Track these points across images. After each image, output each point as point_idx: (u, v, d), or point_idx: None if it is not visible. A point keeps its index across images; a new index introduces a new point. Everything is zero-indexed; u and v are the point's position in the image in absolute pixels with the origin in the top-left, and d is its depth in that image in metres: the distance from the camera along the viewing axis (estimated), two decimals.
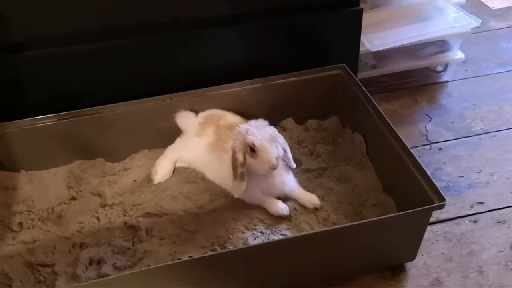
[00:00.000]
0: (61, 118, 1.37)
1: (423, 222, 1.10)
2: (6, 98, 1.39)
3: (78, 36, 1.33)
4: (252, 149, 1.16)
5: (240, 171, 1.18)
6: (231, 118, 1.39)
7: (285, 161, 1.25)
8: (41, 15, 1.27)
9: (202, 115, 1.42)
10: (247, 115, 1.41)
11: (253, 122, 1.22)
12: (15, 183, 1.37)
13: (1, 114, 1.36)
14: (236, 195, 1.22)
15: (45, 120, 1.37)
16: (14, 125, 1.36)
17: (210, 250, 1.17)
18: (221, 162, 1.29)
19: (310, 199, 1.27)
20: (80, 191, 1.37)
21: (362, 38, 1.54)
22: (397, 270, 1.17)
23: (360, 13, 1.48)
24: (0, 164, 1.38)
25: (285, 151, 1.23)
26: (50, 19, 1.28)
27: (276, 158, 1.16)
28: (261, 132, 1.17)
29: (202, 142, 1.35)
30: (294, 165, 1.28)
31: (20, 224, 1.29)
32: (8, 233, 1.27)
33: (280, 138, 1.23)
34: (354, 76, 1.43)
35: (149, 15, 1.35)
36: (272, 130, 1.20)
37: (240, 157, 1.17)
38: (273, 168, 1.16)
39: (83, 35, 1.33)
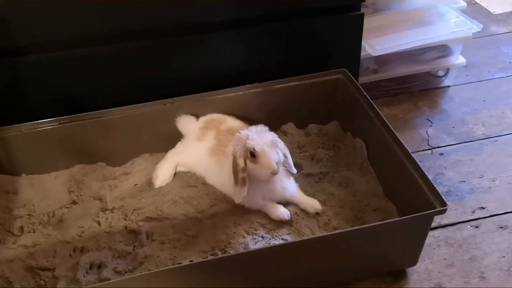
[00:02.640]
0: (62, 122, 1.37)
1: (425, 227, 1.09)
2: (7, 102, 1.39)
3: (79, 40, 1.33)
4: (252, 154, 1.16)
5: (241, 176, 1.18)
6: (232, 122, 1.39)
7: (286, 167, 1.25)
8: (43, 19, 1.27)
9: (203, 119, 1.42)
10: (248, 120, 1.41)
11: (253, 128, 1.22)
12: (16, 187, 1.37)
13: (2, 118, 1.36)
14: (237, 201, 1.22)
15: (46, 124, 1.37)
16: (15, 129, 1.36)
17: (211, 255, 1.17)
18: (221, 166, 1.29)
19: (311, 203, 1.27)
20: (81, 195, 1.37)
21: (363, 42, 1.54)
22: (398, 275, 1.17)
23: (361, 17, 1.48)
24: (1, 167, 1.38)
25: (285, 156, 1.23)
26: (52, 23, 1.28)
27: (276, 163, 1.16)
28: (261, 137, 1.17)
29: (203, 146, 1.35)
30: (294, 171, 1.28)
31: (21, 228, 1.29)
32: (9, 237, 1.27)
33: (281, 144, 1.23)
34: (355, 81, 1.43)
35: (150, 20, 1.35)
36: (272, 136, 1.20)
37: (241, 162, 1.17)
38: (274, 173, 1.16)
39: (85, 39, 1.34)
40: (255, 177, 1.18)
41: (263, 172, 1.17)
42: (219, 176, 1.31)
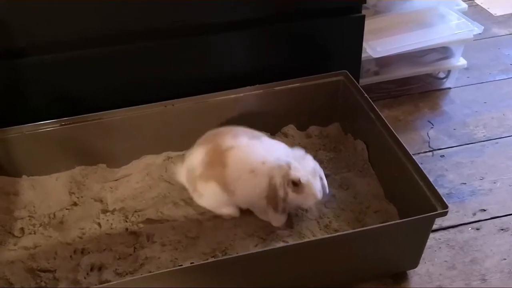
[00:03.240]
0: (63, 123, 1.37)
1: (426, 229, 1.09)
2: (8, 103, 1.39)
3: (80, 41, 1.33)
4: (295, 184, 1.12)
5: (283, 206, 1.14)
6: (225, 140, 1.24)
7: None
8: (43, 20, 1.27)
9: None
10: (248, 122, 1.40)
11: (292, 152, 1.18)
12: (17, 188, 1.37)
13: (2, 119, 1.36)
14: (276, 224, 1.21)
15: (47, 126, 1.37)
16: (16, 130, 1.35)
17: (212, 257, 1.17)
18: (217, 191, 1.23)
19: None
20: (82, 196, 1.37)
21: (364, 44, 1.54)
22: (399, 277, 1.17)
23: (362, 19, 1.48)
24: (1, 169, 1.38)
25: (321, 178, 1.19)
26: (52, 25, 1.28)
27: (320, 192, 1.13)
28: (304, 165, 1.13)
29: (196, 165, 1.25)
30: (328, 191, 1.22)
31: (22, 229, 1.29)
32: (9, 239, 1.26)
33: (318, 166, 1.19)
34: (356, 83, 1.43)
35: (151, 21, 1.35)
36: (313, 162, 1.16)
37: (282, 193, 1.13)
38: (318, 202, 1.13)
39: (85, 40, 1.34)
40: (297, 206, 1.16)
41: (307, 202, 1.14)
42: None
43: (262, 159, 1.17)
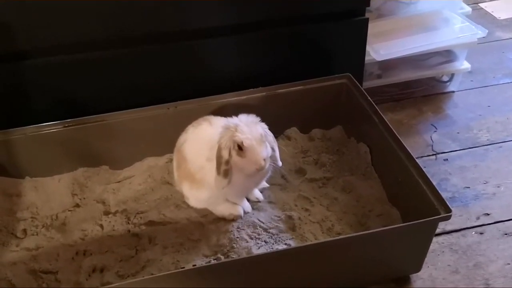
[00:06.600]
0: (66, 125, 1.38)
1: (429, 233, 1.09)
2: (11, 105, 1.40)
3: (83, 44, 1.34)
4: (240, 147, 1.11)
5: (224, 168, 1.13)
6: (180, 138, 1.30)
7: (272, 160, 1.18)
8: (46, 23, 1.28)
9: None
10: None
11: (243, 117, 1.16)
12: (20, 189, 1.37)
13: (6, 121, 1.37)
14: (217, 189, 1.18)
15: (50, 127, 1.37)
16: (19, 132, 1.36)
17: (214, 259, 1.16)
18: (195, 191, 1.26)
19: (256, 194, 1.31)
20: (84, 198, 1.37)
21: (368, 47, 1.54)
22: (402, 281, 1.16)
23: (365, 22, 1.48)
24: (4, 170, 1.38)
25: (273, 149, 1.18)
26: (55, 27, 1.29)
27: (264, 159, 1.11)
28: (251, 130, 1.12)
29: (175, 173, 1.32)
30: (280, 164, 1.22)
31: (24, 231, 1.29)
32: (12, 240, 1.26)
33: (270, 136, 1.18)
34: (359, 86, 1.43)
35: (153, 25, 1.35)
36: (262, 128, 1.15)
37: (225, 154, 1.12)
38: (260, 169, 1.11)
39: (88, 43, 1.34)
40: (240, 170, 1.14)
41: (249, 167, 1.11)
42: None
43: (212, 141, 1.16)
